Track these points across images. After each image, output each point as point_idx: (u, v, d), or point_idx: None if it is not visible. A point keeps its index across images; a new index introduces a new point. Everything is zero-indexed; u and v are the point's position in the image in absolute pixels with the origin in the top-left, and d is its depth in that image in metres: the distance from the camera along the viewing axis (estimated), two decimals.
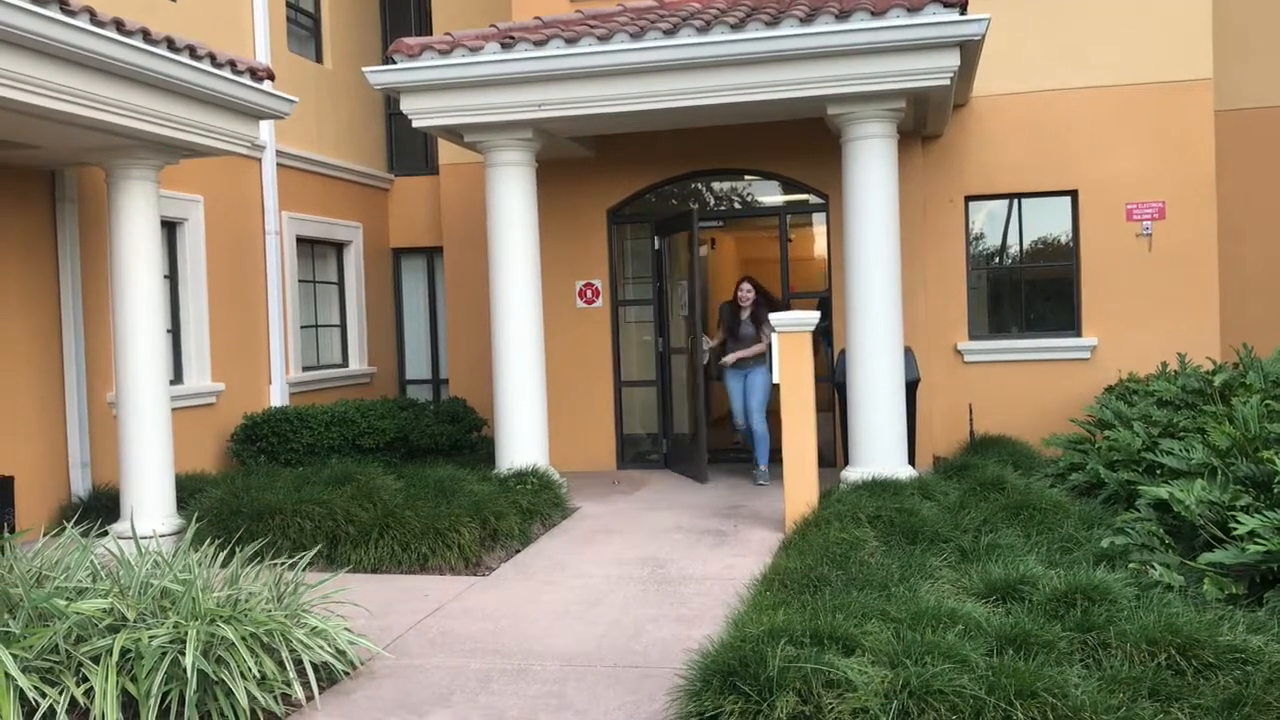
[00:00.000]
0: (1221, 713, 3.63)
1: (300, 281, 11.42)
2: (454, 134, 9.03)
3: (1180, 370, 8.67)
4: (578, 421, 10.49)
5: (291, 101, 7.97)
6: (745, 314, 9.62)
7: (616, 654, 5.21)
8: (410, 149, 13.06)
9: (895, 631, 4.44)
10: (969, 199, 10.38)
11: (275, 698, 4.54)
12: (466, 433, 10.59)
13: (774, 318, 7.66)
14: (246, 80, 7.52)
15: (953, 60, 7.57)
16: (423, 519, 6.97)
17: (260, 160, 10.60)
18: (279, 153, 10.79)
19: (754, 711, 3.94)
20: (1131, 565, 5.47)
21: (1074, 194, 10.18)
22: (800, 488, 7.51)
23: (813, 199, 10.38)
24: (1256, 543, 4.98)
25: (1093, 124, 10.03)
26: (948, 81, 7.66)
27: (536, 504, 7.81)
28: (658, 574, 6.64)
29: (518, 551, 7.25)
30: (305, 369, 11.31)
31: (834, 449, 10.14)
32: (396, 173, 13.03)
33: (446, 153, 11.56)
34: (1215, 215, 9.95)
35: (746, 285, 9.71)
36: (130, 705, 4.35)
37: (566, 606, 6.04)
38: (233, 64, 7.39)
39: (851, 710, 3.81)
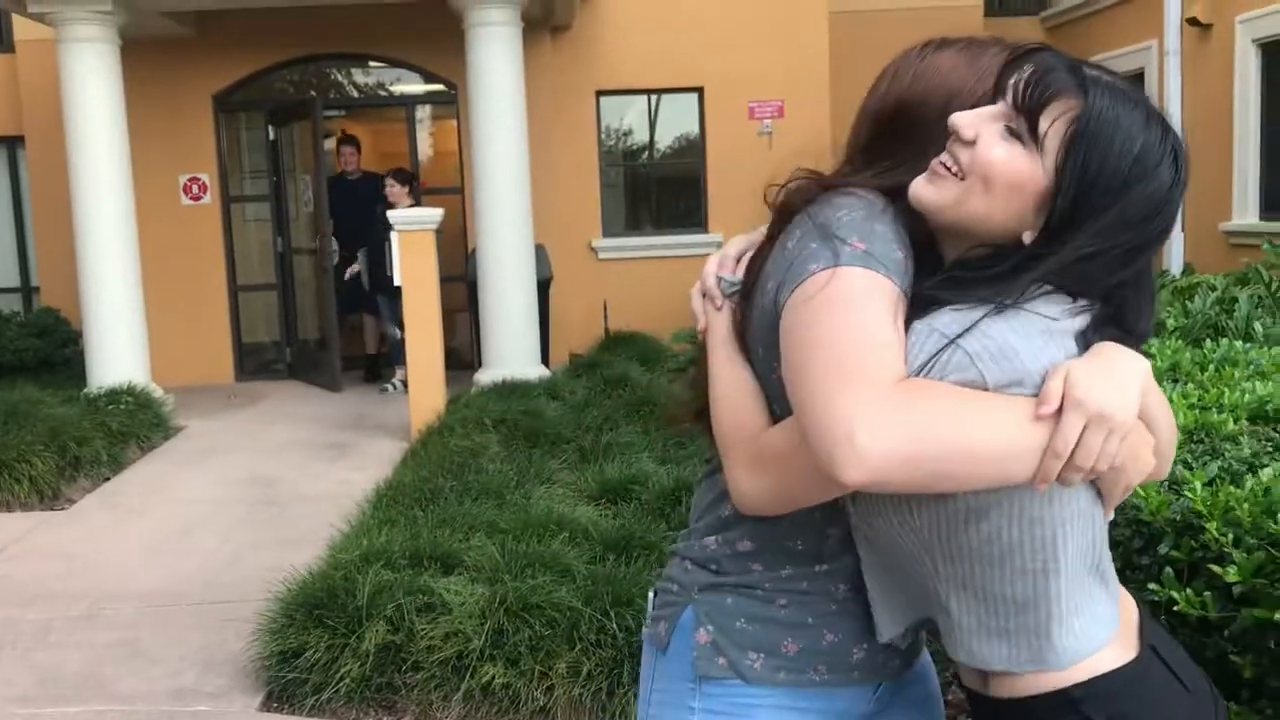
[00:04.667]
0: None
1: None
2: (16, 2, 7.78)
3: None
4: (187, 331, 9.57)
5: None
6: None
7: (207, 589, 4.74)
8: None
9: (501, 544, 4.25)
10: (600, 93, 10.24)
11: None
12: (59, 347, 9.45)
13: (393, 216, 7.23)
14: None
15: None
16: None
17: None
18: None
19: (341, 645, 3.65)
20: None
21: (700, 90, 10.27)
22: (426, 394, 7.19)
23: (443, 89, 9.89)
24: None
25: (717, 20, 10.10)
26: None
27: (132, 425, 7.03)
28: (267, 495, 6.15)
29: (106, 480, 6.49)
30: None
31: (473, 351, 9.87)
32: None
33: (24, 27, 10.03)
34: (829, 114, 10.36)
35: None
36: None
37: (156, 538, 5.46)
38: None
39: (444, 634, 3.60)
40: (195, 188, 9.56)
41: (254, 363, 9.99)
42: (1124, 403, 1.17)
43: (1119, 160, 1.18)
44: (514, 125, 7.86)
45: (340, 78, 10.41)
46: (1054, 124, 1.19)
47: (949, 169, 1.26)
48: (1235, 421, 2.65)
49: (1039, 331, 1.20)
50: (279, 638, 3.71)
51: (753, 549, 1.39)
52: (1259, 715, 2.05)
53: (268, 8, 8.89)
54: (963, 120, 1.25)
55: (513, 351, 7.90)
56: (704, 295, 1.45)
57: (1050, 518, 1.21)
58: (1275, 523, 2.02)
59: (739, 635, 1.37)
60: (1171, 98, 9.25)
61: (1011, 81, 1.23)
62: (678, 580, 1.45)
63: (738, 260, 1.43)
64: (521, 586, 3.73)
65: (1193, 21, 9.84)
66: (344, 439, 7.38)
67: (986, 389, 1.15)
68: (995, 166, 1.22)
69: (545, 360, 8.38)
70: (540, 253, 8.54)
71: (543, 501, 4.99)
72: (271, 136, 9.64)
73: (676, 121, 10.55)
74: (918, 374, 1.16)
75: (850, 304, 1.18)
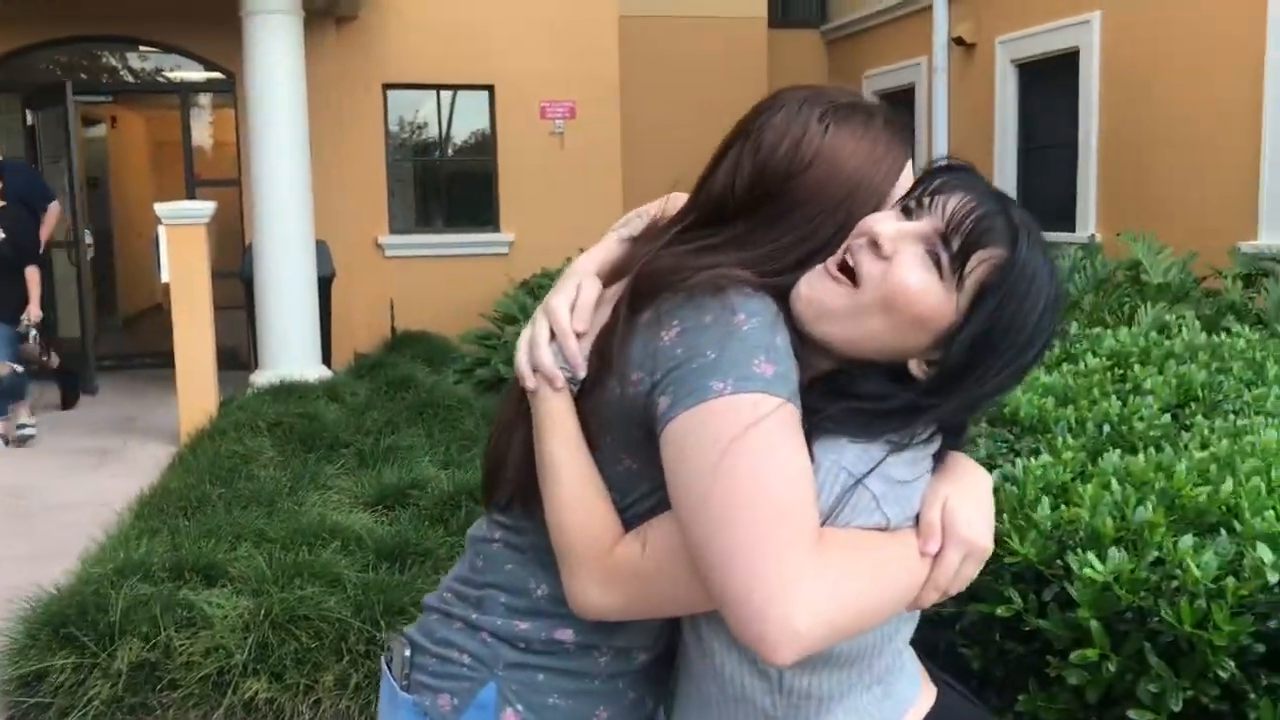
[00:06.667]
0: None
1: None
2: None
3: None
4: None
5: None
6: None
7: None
8: None
9: (269, 554, 4.11)
10: (387, 87, 10.04)
11: None
12: None
13: (161, 209, 6.88)
14: None
15: None
16: None
17: None
18: None
19: (91, 665, 3.44)
20: None
21: (491, 88, 10.20)
22: (197, 396, 6.88)
23: (219, 77, 9.48)
24: None
25: (507, 18, 10.05)
26: None
27: None
28: (16, 506, 5.74)
29: None
30: None
31: (249, 351, 9.49)
32: None
33: None
34: (619, 117, 10.46)
35: None
36: None
37: None
38: None
39: (205, 650, 3.45)
40: None
41: None
42: (990, 531, 1.19)
43: (1029, 314, 1.14)
44: (294, 117, 7.61)
45: (113, 61, 9.85)
46: (979, 267, 1.13)
47: (842, 274, 1.15)
48: (974, 424, 2.81)
49: (919, 459, 1.18)
50: (19, 660, 3.47)
51: (572, 639, 1.27)
52: (984, 704, 2.19)
53: None
54: (884, 230, 1.14)
55: (291, 351, 7.65)
56: (534, 369, 1.25)
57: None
58: (998, 521, 2.15)
59: (550, 712, 1.27)
60: (938, 113, 9.78)
61: (950, 209, 1.14)
62: (471, 652, 1.30)
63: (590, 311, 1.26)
64: (289, 598, 3.62)
65: (959, 41, 10.43)
66: (108, 444, 6.97)
67: (886, 530, 1.13)
68: (909, 293, 1.13)
69: (327, 360, 8.14)
70: (322, 249, 8.29)
71: (316, 509, 4.85)
72: (29, 122, 9.01)
73: (468, 119, 10.45)
74: (828, 515, 1.10)
75: (769, 446, 1.07)
